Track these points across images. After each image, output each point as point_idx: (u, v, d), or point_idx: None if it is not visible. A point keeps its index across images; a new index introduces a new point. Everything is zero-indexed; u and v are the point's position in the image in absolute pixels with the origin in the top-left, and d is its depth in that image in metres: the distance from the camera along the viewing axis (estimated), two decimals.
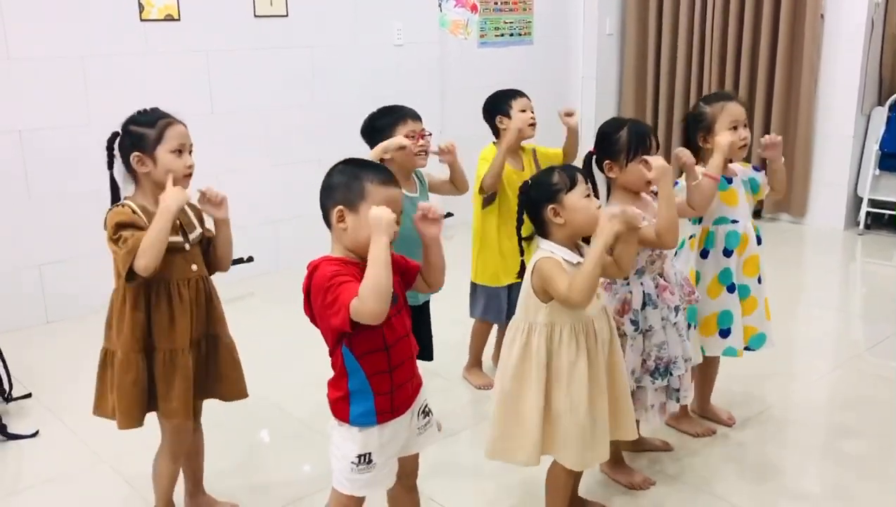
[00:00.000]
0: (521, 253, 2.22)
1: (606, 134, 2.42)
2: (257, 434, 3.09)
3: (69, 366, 3.58)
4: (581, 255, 2.14)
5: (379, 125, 2.76)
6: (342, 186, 1.85)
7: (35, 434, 3.02)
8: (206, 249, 2.31)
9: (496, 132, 3.17)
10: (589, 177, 2.23)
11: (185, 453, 2.37)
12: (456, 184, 2.94)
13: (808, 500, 2.63)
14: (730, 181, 2.72)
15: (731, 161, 2.75)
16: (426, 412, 2.05)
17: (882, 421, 3.05)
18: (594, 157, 2.43)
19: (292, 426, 3.11)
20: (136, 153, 2.14)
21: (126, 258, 2.04)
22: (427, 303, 2.95)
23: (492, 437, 2.22)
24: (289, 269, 4.80)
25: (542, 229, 2.15)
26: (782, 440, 2.97)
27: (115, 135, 2.19)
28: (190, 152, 2.19)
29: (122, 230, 2.08)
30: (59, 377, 3.50)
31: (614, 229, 2.00)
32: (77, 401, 3.21)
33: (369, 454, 1.90)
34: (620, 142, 2.37)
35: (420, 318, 2.86)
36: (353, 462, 1.90)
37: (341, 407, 1.90)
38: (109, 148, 2.18)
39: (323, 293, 1.78)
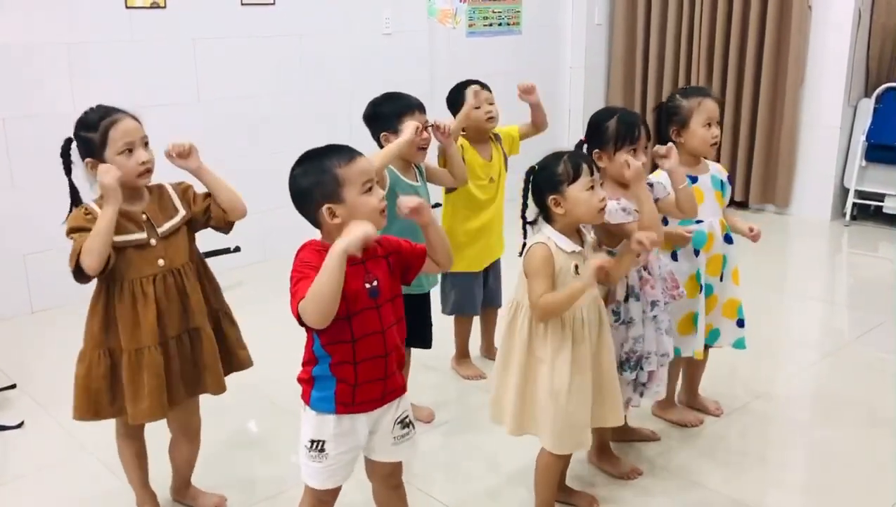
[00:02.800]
0: (525, 235, 2.23)
1: (596, 123, 2.43)
2: (245, 425, 3.08)
3: (54, 356, 3.53)
4: (581, 242, 2.17)
5: (383, 112, 2.72)
6: (316, 185, 1.82)
7: (20, 425, 3.00)
8: (202, 224, 2.26)
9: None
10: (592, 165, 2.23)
11: (141, 429, 2.32)
12: (453, 172, 2.89)
13: (794, 489, 2.66)
14: (694, 180, 2.66)
15: (705, 157, 2.74)
16: (406, 424, 2.00)
17: (867, 411, 3.07)
18: (585, 146, 2.44)
19: (280, 416, 3.10)
20: (88, 159, 2.10)
21: (71, 258, 2.03)
22: (429, 292, 2.95)
23: (490, 398, 2.32)
24: (277, 258, 4.78)
25: (545, 215, 2.19)
26: (769, 431, 2.99)
27: (68, 141, 2.14)
28: (146, 145, 2.13)
29: (73, 234, 2.06)
30: (44, 368, 3.47)
31: (592, 281, 2.05)
32: (62, 392, 3.17)
33: (322, 441, 1.89)
34: (609, 132, 2.38)
35: (422, 306, 2.87)
36: (306, 446, 1.91)
37: (305, 390, 1.92)
38: (64, 154, 2.14)
39: (291, 280, 1.79)
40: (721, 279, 2.78)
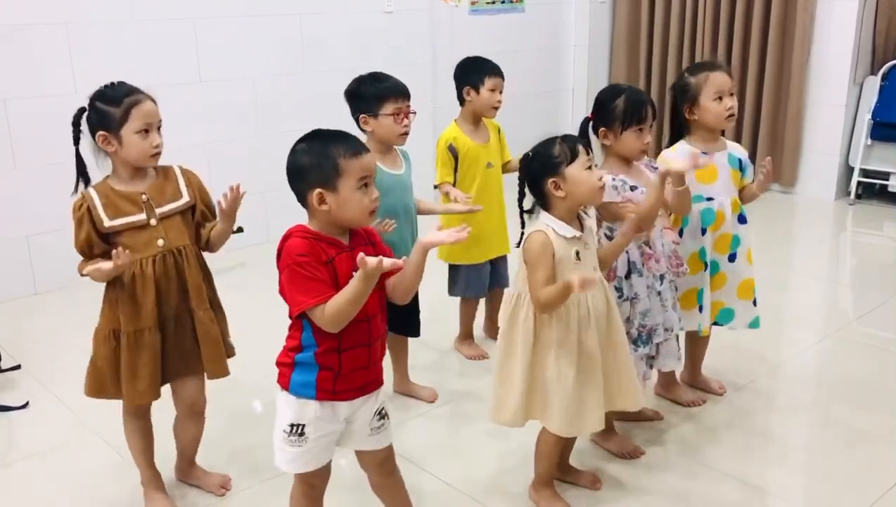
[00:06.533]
0: (523, 225, 2.20)
1: (603, 101, 2.42)
2: (247, 406, 3.09)
3: (58, 337, 3.56)
4: (581, 227, 2.15)
5: (366, 92, 2.68)
6: (314, 167, 1.80)
7: (25, 406, 3.01)
8: (199, 221, 2.28)
9: (461, 99, 3.13)
10: (588, 145, 2.22)
11: (147, 407, 2.32)
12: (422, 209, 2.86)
13: (797, 468, 2.66)
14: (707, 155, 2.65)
15: (723, 132, 2.74)
16: (383, 415, 1.99)
17: (870, 390, 3.07)
18: (591, 123, 2.43)
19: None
20: (101, 132, 2.10)
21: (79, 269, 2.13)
22: None
23: (491, 398, 2.27)
24: (279, 239, 4.79)
25: (543, 202, 2.16)
26: (772, 410, 2.99)
27: (81, 110, 2.14)
28: (158, 129, 2.15)
29: (83, 236, 2.10)
30: (48, 348, 3.48)
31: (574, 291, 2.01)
32: (66, 372, 3.21)
33: (303, 425, 1.86)
34: (616, 110, 2.37)
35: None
36: (284, 431, 1.87)
37: (285, 373, 1.88)
38: (75, 124, 2.14)
39: (288, 271, 1.78)
40: (733, 260, 2.77)
